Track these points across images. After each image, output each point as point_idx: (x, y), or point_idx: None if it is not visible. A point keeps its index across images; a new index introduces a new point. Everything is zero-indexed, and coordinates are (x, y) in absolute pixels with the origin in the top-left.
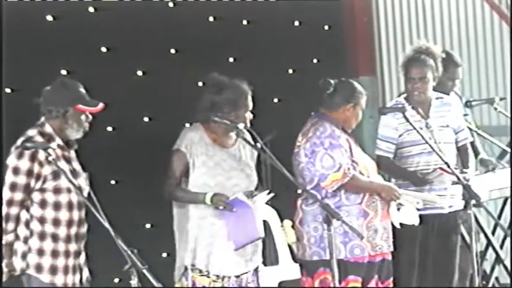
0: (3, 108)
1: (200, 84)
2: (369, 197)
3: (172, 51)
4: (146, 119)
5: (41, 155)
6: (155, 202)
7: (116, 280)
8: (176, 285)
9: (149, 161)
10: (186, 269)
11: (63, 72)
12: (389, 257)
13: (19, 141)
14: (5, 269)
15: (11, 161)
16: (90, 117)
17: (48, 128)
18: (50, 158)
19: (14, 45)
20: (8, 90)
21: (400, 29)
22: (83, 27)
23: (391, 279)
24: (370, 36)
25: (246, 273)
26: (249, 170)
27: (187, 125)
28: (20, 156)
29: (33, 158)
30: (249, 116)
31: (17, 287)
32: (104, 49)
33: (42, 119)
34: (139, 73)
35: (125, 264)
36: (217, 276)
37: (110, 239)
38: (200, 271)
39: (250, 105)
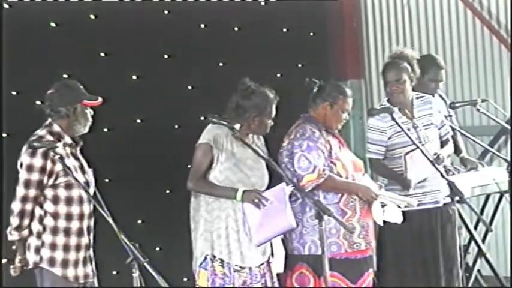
0: (3, 109)
1: (190, 87)
2: (347, 197)
3: (166, 56)
4: (139, 121)
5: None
6: (147, 199)
7: (114, 273)
8: (195, 274)
9: (140, 159)
10: (205, 258)
11: (65, 75)
12: (371, 253)
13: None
14: (18, 264)
15: (25, 159)
16: (92, 112)
17: (56, 128)
18: (56, 157)
19: (19, 49)
20: (13, 93)
21: (388, 33)
22: (84, 33)
23: (370, 271)
24: (358, 40)
25: (263, 264)
26: (264, 169)
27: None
28: (33, 154)
29: (45, 155)
30: (270, 123)
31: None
32: (102, 54)
33: (49, 120)
34: (134, 77)
35: (122, 258)
36: (241, 267)
37: (108, 233)
38: (221, 261)
39: (274, 113)
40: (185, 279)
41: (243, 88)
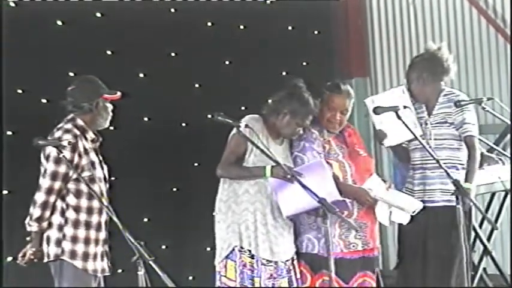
0: (3, 108)
1: (196, 85)
2: (343, 197)
3: (172, 54)
4: (145, 119)
5: (80, 145)
6: (153, 197)
7: (120, 271)
8: (218, 265)
9: (146, 157)
10: (233, 249)
11: (71, 74)
12: (372, 254)
13: (57, 134)
14: (31, 256)
15: (53, 151)
16: (112, 106)
17: (80, 122)
18: (61, 156)
19: (26, 47)
20: (19, 91)
21: (393, 30)
22: (90, 31)
23: (369, 274)
24: (364, 38)
25: (289, 260)
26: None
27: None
28: (61, 147)
29: (74, 149)
30: (299, 130)
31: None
32: (108, 52)
33: (71, 115)
34: (141, 75)
35: (127, 256)
36: (268, 260)
37: (113, 231)
38: (250, 252)
39: (307, 122)
40: (190, 278)
41: (291, 86)
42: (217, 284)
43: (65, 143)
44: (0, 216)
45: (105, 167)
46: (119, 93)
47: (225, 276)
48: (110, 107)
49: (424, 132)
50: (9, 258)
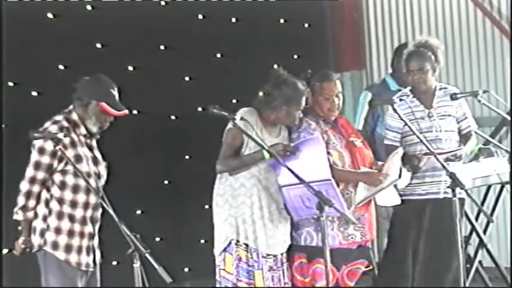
0: (3, 105)
1: (187, 79)
2: (342, 189)
3: (162, 47)
4: (135, 112)
5: (66, 138)
6: (144, 190)
7: (114, 263)
8: (218, 258)
9: (137, 150)
10: (229, 243)
11: (61, 67)
12: (368, 243)
13: (46, 125)
14: (21, 245)
15: (37, 141)
16: (112, 118)
17: (74, 116)
18: (57, 148)
19: (17, 40)
20: (10, 84)
21: (389, 23)
22: (81, 24)
23: (361, 261)
24: (360, 30)
25: (283, 253)
26: None
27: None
28: (46, 138)
29: (58, 140)
30: (298, 114)
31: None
32: (99, 45)
33: (71, 106)
34: (131, 68)
35: (122, 248)
36: (267, 253)
37: (108, 224)
38: (246, 246)
39: (303, 104)
40: (186, 270)
41: (275, 77)
42: (217, 277)
43: (61, 135)
44: (0, 213)
45: (102, 163)
46: (122, 112)
47: (224, 269)
48: (106, 118)
49: (432, 125)
50: (5, 251)
